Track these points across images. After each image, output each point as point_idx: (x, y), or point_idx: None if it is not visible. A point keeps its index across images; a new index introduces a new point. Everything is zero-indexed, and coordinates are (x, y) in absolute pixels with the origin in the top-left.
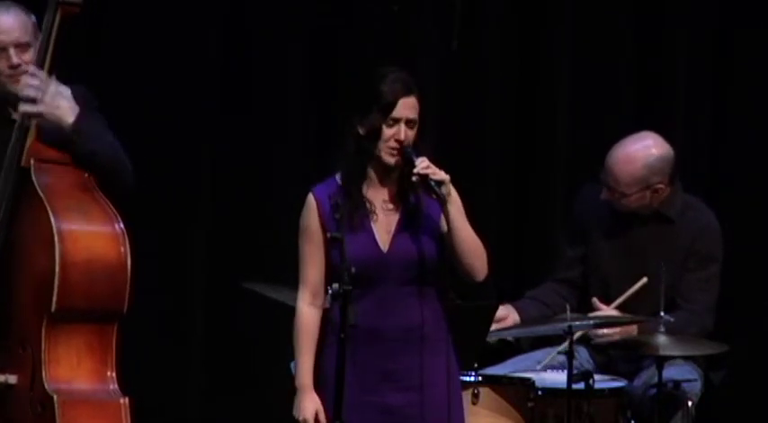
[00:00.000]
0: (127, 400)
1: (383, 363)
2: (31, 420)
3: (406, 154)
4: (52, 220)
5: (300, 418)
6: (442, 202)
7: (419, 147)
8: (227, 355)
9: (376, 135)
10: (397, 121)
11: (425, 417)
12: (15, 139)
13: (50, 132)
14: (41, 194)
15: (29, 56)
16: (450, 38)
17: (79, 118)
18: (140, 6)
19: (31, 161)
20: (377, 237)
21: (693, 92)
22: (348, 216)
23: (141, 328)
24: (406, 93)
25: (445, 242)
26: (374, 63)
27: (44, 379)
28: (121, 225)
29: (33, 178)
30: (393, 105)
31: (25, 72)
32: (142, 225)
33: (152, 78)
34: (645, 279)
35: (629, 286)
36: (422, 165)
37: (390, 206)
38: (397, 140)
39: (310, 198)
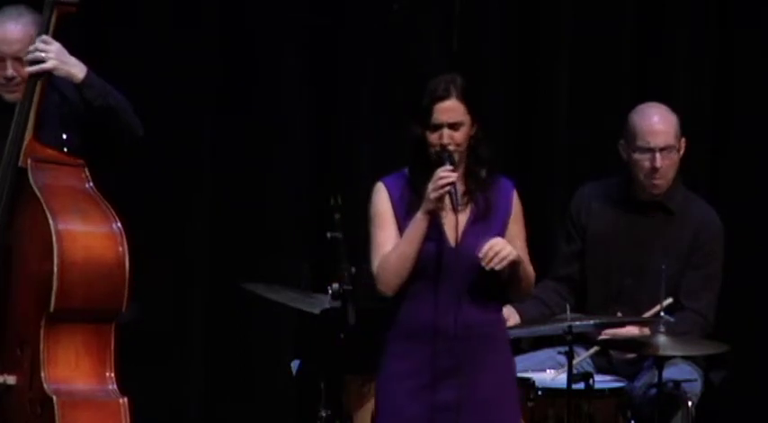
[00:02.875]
0: (126, 399)
1: (442, 360)
2: (30, 421)
3: (442, 158)
4: (50, 220)
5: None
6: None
7: (481, 146)
8: (227, 355)
9: (423, 143)
10: (438, 126)
11: (480, 413)
12: (12, 138)
13: (64, 100)
14: (39, 195)
15: (26, 70)
16: (450, 38)
17: (89, 74)
18: (139, 6)
19: (29, 161)
20: (447, 233)
21: (693, 92)
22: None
23: (141, 328)
24: (441, 98)
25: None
26: (374, 63)
27: (43, 379)
28: (119, 225)
29: (30, 178)
30: (429, 113)
31: (18, 84)
32: (142, 225)
33: (152, 78)
34: (670, 299)
35: (629, 279)
36: (438, 176)
37: (462, 202)
38: (440, 145)
39: (380, 185)
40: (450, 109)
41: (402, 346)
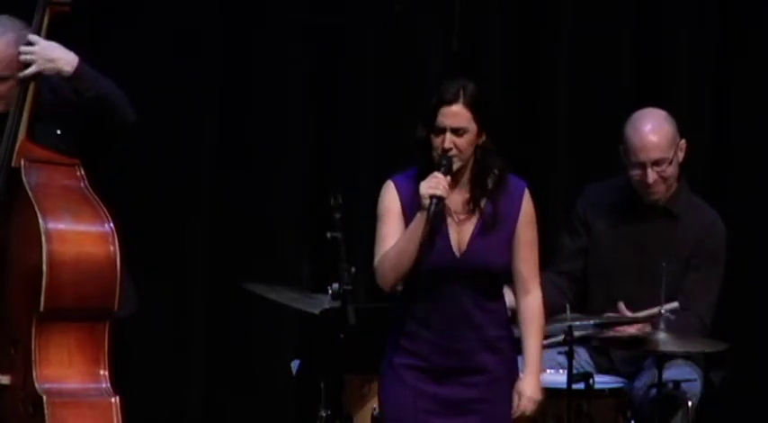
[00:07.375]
0: (118, 398)
1: (444, 359)
2: (23, 420)
3: (439, 164)
4: (40, 219)
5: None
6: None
7: (488, 157)
8: (227, 355)
9: (426, 145)
10: (441, 130)
11: (478, 413)
12: (6, 139)
13: (53, 93)
14: (30, 194)
15: (3, 87)
16: (451, 38)
17: (79, 66)
18: (139, 6)
19: (22, 161)
20: (452, 241)
21: (694, 93)
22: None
23: (141, 328)
24: (449, 102)
25: (515, 251)
26: (374, 63)
27: (35, 379)
28: (111, 224)
29: (23, 178)
30: (434, 115)
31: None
32: (142, 225)
33: (152, 78)
34: (675, 303)
35: (631, 280)
36: (426, 182)
37: (468, 210)
38: (442, 149)
39: (389, 184)
40: (456, 114)
41: (406, 341)
